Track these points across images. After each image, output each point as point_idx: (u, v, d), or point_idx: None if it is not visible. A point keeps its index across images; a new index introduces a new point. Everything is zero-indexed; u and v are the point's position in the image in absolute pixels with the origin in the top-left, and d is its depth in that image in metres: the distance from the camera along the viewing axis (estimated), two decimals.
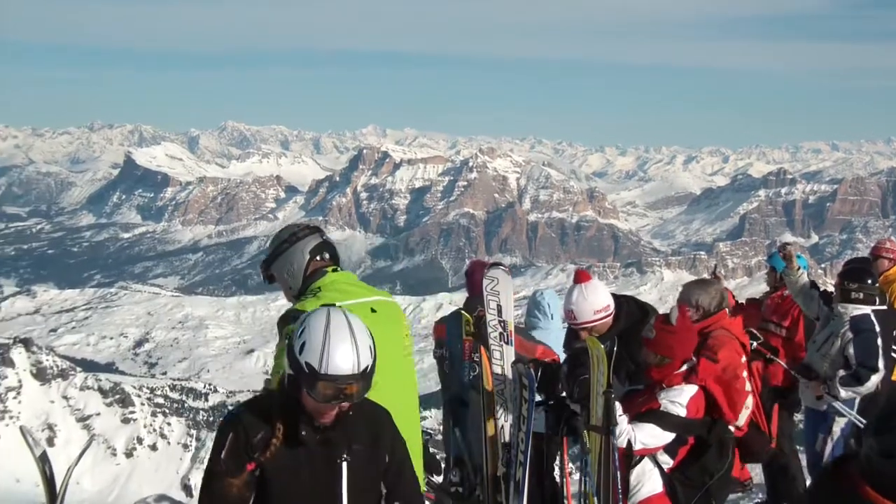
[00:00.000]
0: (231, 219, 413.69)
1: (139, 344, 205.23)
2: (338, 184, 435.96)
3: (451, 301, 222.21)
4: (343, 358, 3.88)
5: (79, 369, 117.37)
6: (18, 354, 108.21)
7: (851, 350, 8.07)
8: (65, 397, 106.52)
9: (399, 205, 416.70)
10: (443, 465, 7.56)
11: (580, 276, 6.64)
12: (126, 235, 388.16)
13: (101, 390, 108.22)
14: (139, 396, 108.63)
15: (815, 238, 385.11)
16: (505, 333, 6.53)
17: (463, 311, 7.32)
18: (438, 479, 7.56)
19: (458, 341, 7.26)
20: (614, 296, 6.71)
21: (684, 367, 5.87)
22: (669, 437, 5.76)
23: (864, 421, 7.97)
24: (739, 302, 9.90)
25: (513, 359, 6.50)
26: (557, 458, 6.60)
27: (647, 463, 5.87)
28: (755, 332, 8.77)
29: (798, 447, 9.48)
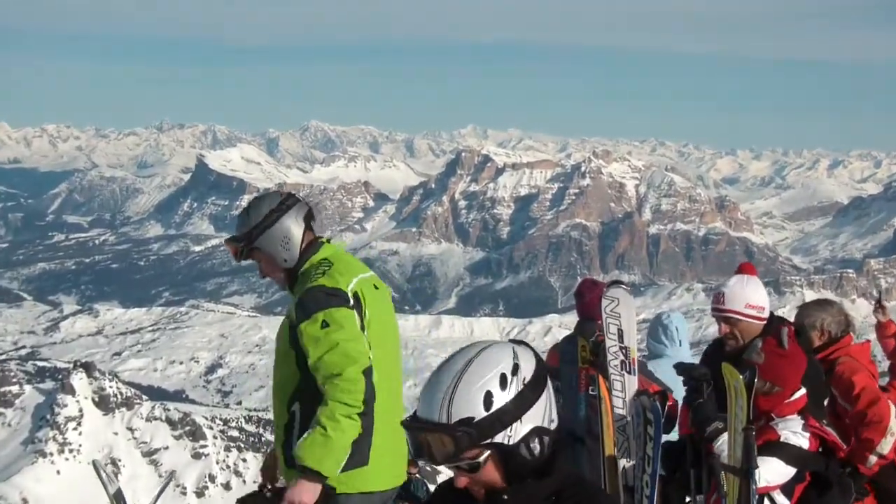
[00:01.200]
0: (314, 230, 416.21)
1: (211, 370, 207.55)
2: (433, 191, 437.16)
3: (562, 324, 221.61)
4: (424, 396, 3.09)
5: (145, 398, 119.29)
6: (79, 380, 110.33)
7: None
8: (129, 429, 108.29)
9: (502, 215, 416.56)
10: None
11: (745, 268, 6.52)
12: (198, 248, 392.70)
13: (169, 421, 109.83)
14: (211, 429, 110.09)
15: None
16: (627, 361, 6.50)
17: (579, 337, 7.32)
18: None
19: (573, 370, 7.23)
20: None
21: (795, 397, 5.59)
22: (791, 472, 5.45)
23: None
24: None
25: (636, 389, 6.48)
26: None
27: None
28: None
29: None
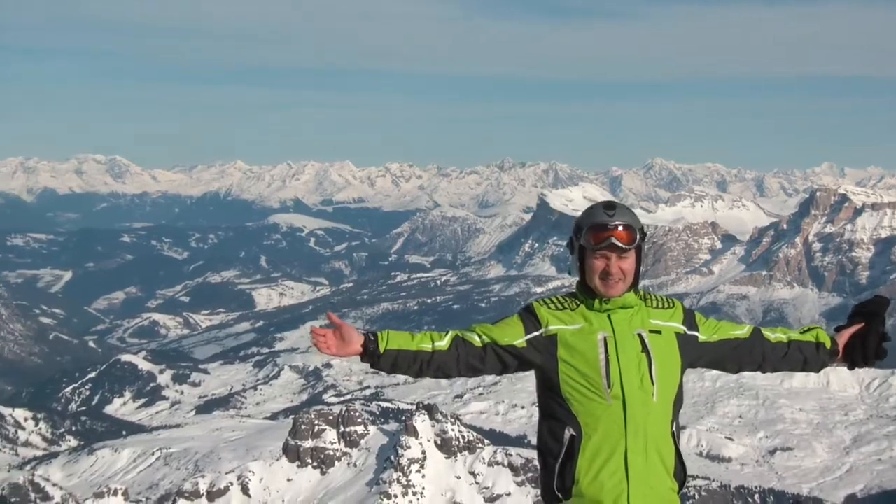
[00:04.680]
0: (658, 272, 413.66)
1: None
2: (785, 232, 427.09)
3: None
4: None
5: (487, 442, 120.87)
6: (422, 422, 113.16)
7: None
8: (472, 473, 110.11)
9: (860, 258, 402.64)
10: None
11: None
12: (539, 290, 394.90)
13: (511, 467, 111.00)
14: None
15: None
16: None
17: None
18: None
19: None
20: None
21: None
22: None
23: None
24: None
25: None
26: None
27: None
28: None
29: None
